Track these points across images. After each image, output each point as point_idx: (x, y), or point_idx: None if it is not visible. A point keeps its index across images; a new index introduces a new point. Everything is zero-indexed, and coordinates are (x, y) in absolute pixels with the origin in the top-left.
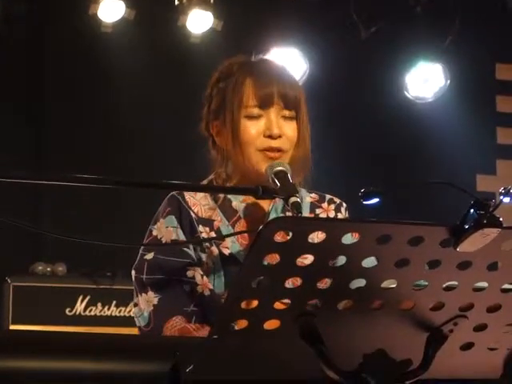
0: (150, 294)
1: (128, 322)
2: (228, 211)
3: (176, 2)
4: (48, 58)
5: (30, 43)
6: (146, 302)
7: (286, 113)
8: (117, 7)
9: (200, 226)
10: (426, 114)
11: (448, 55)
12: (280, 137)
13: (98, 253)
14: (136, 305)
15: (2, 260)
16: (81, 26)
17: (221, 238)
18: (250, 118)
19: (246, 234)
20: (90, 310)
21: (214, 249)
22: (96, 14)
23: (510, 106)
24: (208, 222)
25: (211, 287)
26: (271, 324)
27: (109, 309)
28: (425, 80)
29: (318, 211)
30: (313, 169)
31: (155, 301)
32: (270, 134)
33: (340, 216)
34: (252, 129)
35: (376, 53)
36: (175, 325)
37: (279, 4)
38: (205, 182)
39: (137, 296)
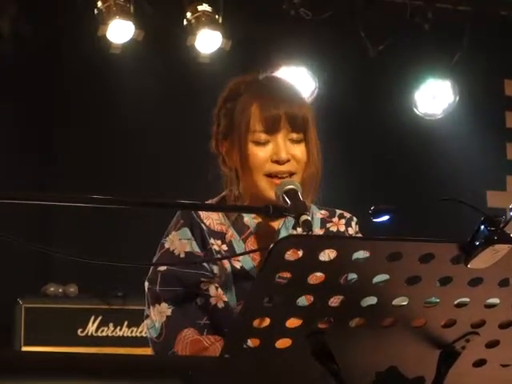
0: (164, 305)
1: (140, 342)
2: (240, 226)
3: (185, 23)
4: (57, 80)
5: (39, 65)
6: (159, 313)
7: (294, 136)
8: (126, 28)
9: (212, 238)
10: (435, 130)
11: (457, 72)
12: (288, 161)
13: (109, 273)
14: (147, 316)
15: (13, 281)
16: (90, 48)
17: (234, 256)
18: (258, 143)
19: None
20: (102, 331)
21: (226, 262)
22: (105, 35)
23: None
24: (220, 235)
25: (225, 299)
26: (283, 343)
27: (121, 329)
28: (434, 97)
29: (328, 225)
30: (322, 186)
31: (169, 312)
32: (278, 159)
33: (350, 230)
34: (260, 154)
35: (384, 70)
36: (188, 336)
37: (287, 23)
38: (217, 198)
39: (149, 308)
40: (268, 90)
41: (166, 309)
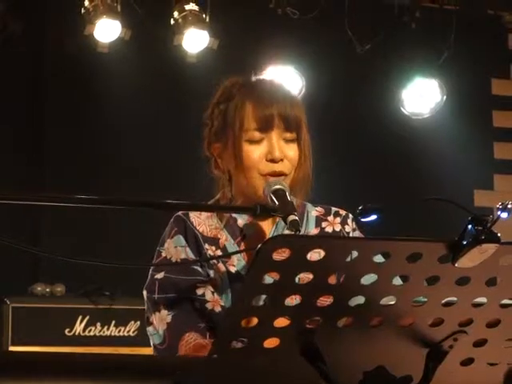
0: (164, 312)
1: (127, 341)
2: (233, 230)
3: (172, 22)
4: (45, 79)
5: (27, 64)
6: (160, 320)
7: (288, 135)
8: (113, 27)
9: (206, 244)
10: (422, 129)
11: (444, 71)
12: (282, 160)
13: (96, 273)
14: (150, 324)
15: (0, 281)
16: (77, 47)
17: (227, 255)
18: (252, 142)
19: (251, 252)
20: (90, 330)
21: (221, 266)
22: (92, 34)
23: (507, 121)
24: (213, 241)
25: (222, 304)
26: (271, 342)
27: (108, 329)
28: (421, 96)
29: (323, 225)
30: (312, 185)
31: (168, 318)
32: (272, 158)
33: (347, 228)
34: (254, 153)
35: (372, 69)
36: (190, 341)
37: (275, 22)
38: (211, 201)
39: (151, 315)
40: (261, 91)
41: (165, 316)
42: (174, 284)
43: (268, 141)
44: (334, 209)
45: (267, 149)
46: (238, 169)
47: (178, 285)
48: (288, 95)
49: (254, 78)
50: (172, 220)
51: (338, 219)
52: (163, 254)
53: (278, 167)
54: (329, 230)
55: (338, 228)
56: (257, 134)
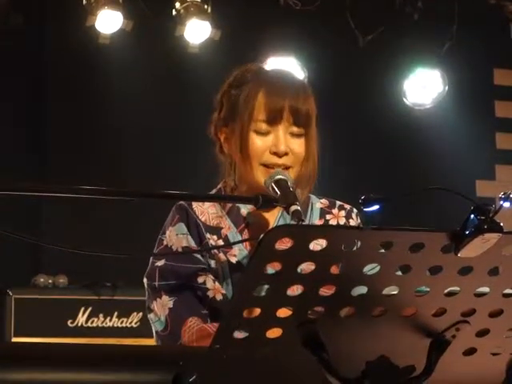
0: (165, 297)
1: (130, 332)
2: (236, 218)
3: (173, 13)
4: (46, 70)
5: (28, 55)
6: (162, 306)
7: (295, 130)
8: (114, 18)
9: (208, 233)
10: (424, 120)
11: (446, 61)
12: (286, 154)
13: (98, 264)
14: (151, 311)
15: (3, 272)
16: (79, 38)
17: (228, 245)
18: (259, 133)
19: (253, 242)
20: (92, 322)
21: (222, 256)
22: (94, 25)
23: (509, 111)
24: (215, 230)
25: (224, 292)
26: (273, 332)
27: (111, 320)
28: (423, 86)
29: (328, 217)
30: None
31: (170, 304)
32: (276, 151)
33: (352, 222)
34: (259, 144)
35: (374, 60)
36: (193, 326)
37: (277, 13)
38: (214, 190)
39: (151, 302)
40: (275, 80)
41: (167, 301)
42: (175, 272)
43: (274, 134)
44: (338, 202)
45: (273, 141)
46: (242, 157)
47: (178, 272)
48: (301, 89)
49: (268, 67)
50: (174, 208)
51: (343, 212)
52: (164, 242)
53: (281, 161)
54: (333, 222)
55: (342, 221)
56: (264, 126)
